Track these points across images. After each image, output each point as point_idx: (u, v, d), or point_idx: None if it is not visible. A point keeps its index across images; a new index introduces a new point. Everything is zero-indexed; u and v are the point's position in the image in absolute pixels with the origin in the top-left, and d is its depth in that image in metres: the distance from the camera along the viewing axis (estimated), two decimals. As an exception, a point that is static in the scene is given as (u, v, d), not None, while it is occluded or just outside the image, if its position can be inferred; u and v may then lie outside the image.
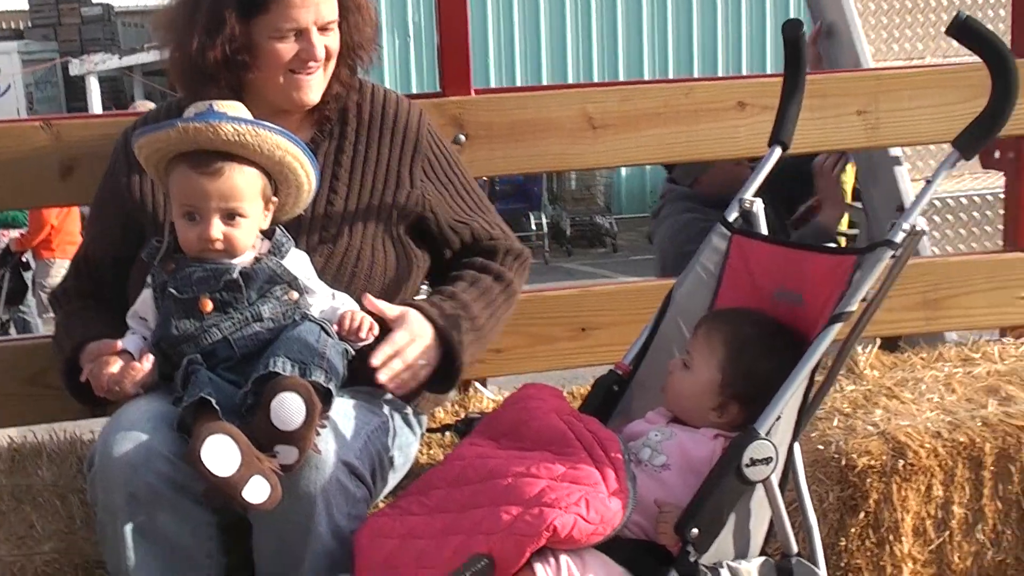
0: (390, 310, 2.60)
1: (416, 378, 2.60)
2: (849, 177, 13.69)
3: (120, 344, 2.54)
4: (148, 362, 2.51)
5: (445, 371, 2.66)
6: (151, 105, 2.52)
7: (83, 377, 2.55)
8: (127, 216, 2.83)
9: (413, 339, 2.58)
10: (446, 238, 2.88)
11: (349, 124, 2.84)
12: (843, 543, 2.96)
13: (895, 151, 4.62)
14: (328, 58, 2.73)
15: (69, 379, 2.66)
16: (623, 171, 17.74)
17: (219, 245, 2.51)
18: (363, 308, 2.59)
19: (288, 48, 2.68)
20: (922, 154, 5.20)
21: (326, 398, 2.40)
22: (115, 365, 2.50)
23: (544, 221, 16.77)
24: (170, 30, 2.76)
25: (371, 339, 2.56)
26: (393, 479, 2.71)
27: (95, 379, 2.53)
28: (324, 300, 2.60)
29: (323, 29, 2.69)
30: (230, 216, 2.51)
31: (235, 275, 2.51)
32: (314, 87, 2.74)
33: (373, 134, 2.85)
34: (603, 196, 16.93)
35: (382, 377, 2.52)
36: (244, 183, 2.52)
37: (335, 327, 2.54)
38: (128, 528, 2.36)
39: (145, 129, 2.55)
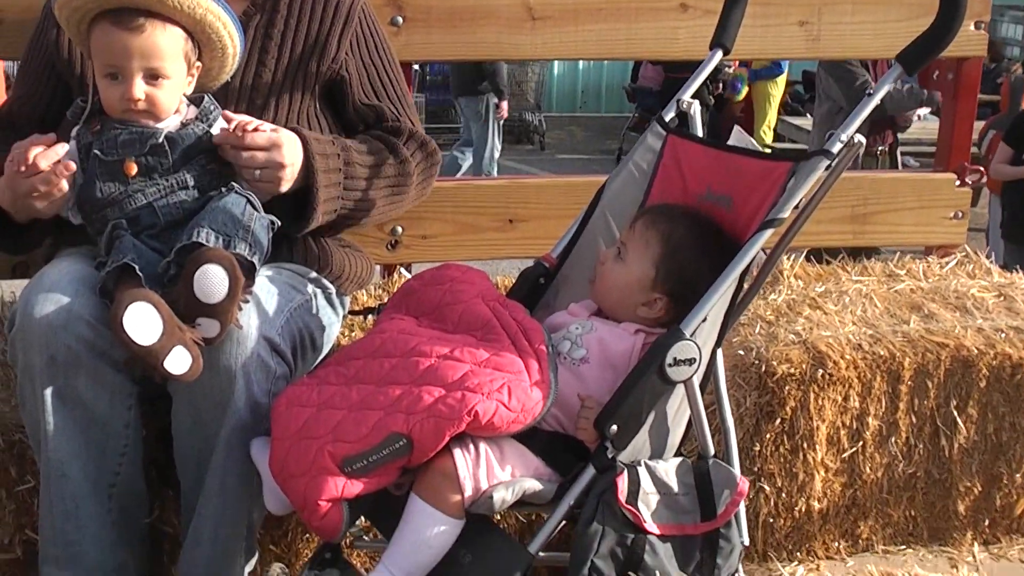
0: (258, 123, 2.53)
1: (274, 177, 2.50)
2: (779, 89, 13.68)
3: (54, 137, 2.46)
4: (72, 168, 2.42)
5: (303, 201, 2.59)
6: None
7: (8, 160, 2.43)
8: (55, 75, 2.76)
9: (279, 140, 2.50)
10: (352, 118, 2.84)
11: (279, 11, 2.77)
12: (757, 448, 3.01)
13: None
14: None
15: None
16: (555, 69, 17.63)
17: (141, 105, 2.44)
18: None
19: None
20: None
21: (249, 272, 2.36)
22: (47, 154, 2.41)
23: (473, 114, 16.59)
24: None
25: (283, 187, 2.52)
26: (314, 359, 2.68)
27: (17, 164, 2.41)
28: None
29: None
30: (153, 76, 2.44)
31: (160, 139, 2.45)
32: None
33: (305, 7, 2.78)
34: (534, 93, 16.78)
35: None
36: (166, 42, 2.44)
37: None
38: (47, 392, 2.33)
39: None
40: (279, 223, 2.51)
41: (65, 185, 2.42)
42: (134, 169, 2.44)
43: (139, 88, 2.42)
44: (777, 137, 13.73)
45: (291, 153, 2.50)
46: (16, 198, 2.46)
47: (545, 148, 15.71)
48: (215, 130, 2.51)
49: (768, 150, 13.89)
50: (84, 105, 2.53)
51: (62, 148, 2.43)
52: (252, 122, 2.48)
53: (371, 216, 2.79)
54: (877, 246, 3.90)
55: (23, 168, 2.38)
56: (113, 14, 2.41)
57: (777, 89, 14.07)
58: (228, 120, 2.51)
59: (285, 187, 2.52)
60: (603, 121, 16.92)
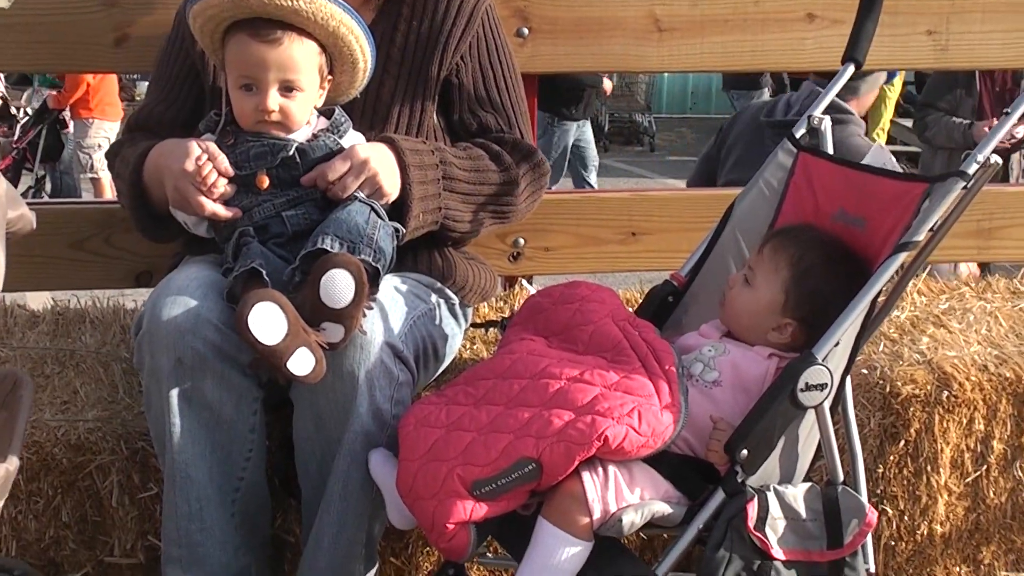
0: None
1: (371, 183, 2.52)
2: (895, 91, 13.43)
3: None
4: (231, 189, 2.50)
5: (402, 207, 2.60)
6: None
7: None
8: (196, 81, 2.81)
9: (369, 156, 2.53)
10: (461, 123, 2.85)
11: (406, 2, 2.79)
12: (881, 470, 2.96)
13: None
14: None
15: (135, 190, 2.65)
16: (669, 70, 17.58)
17: (275, 117, 2.48)
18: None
19: None
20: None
21: (374, 279, 2.38)
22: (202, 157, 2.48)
23: (583, 115, 16.56)
24: None
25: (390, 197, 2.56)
26: (436, 368, 2.71)
27: (180, 157, 2.49)
28: None
29: None
30: (287, 88, 2.48)
31: (292, 151, 2.49)
32: None
33: (427, 11, 2.79)
34: (644, 94, 16.71)
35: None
36: (302, 54, 2.48)
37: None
38: (173, 393, 2.36)
39: None
40: (404, 231, 2.53)
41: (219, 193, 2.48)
42: (266, 182, 2.48)
43: (274, 100, 2.47)
44: (891, 139, 13.53)
45: (378, 161, 2.52)
46: (165, 184, 2.53)
47: (655, 150, 15.66)
48: (345, 142, 2.54)
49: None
50: (217, 118, 2.58)
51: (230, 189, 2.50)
52: (329, 172, 2.49)
53: (479, 225, 2.79)
54: (1003, 261, 3.80)
55: (201, 175, 2.45)
56: (250, 26, 2.45)
57: (894, 91, 13.84)
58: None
59: (391, 189, 2.54)
60: (713, 122, 16.73)
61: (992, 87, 6.34)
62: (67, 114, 11.19)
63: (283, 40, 2.46)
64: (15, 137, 11.24)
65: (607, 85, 10.27)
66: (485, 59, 2.85)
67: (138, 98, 13.25)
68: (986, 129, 5.93)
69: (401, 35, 2.77)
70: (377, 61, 2.69)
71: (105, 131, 10.85)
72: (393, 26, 2.77)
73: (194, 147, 2.48)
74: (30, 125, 11.19)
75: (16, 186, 10.66)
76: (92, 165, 10.88)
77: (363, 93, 2.70)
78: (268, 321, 2.21)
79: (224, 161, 2.47)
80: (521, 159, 2.83)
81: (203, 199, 2.47)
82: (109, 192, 10.78)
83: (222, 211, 2.48)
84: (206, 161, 2.46)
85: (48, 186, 11.23)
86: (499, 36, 2.90)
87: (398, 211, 2.59)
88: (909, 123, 11.83)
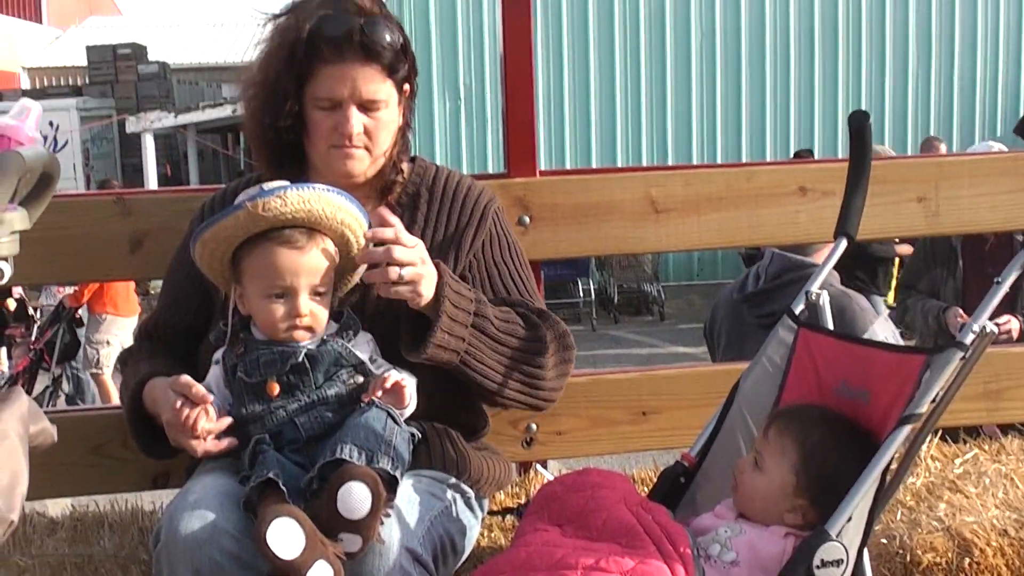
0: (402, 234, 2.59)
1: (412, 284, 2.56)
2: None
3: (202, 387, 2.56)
4: (224, 422, 2.53)
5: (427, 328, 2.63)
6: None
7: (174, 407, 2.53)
8: (200, 287, 2.86)
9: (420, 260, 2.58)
10: None
11: (419, 209, 2.88)
12: (907, 642, 2.93)
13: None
14: (371, 138, 2.74)
15: (134, 415, 2.71)
16: (672, 238, 17.80)
17: (307, 322, 2.54)
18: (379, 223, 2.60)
19: (326, 119, 2.71)
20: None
21: (391, 485, 2.40)
22: (208, 426, 2.52)
23: (592, 288, 16.77)
24: (245, 97, 2.84)
25: (410, 407, 2.57)
26: (455, 563, 2.70)
27: (166, 405, 2.54)
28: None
29: (364, 107, 2.71)
30: (316, 293, 2.55)
31: (301, 358, 2.53)
32: (356, 162, 2.75)
33: (441, 216, 2.87)
34: (651, 264, 16.93)
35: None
36: (327, 256, 2.57)
37: (375, 393, 2.53)
38: None
39: (208, 222, 2.56)
40: (420, 435, 2.57)
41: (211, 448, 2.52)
42: (277, 389, 2.52)
43: (306, 304, 2.53)
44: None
45: (430, 272, 2.59)
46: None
47: (665, 318, 15.76)
48: (354, 345, 2.59)
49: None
50: (225, 330, 2.63)
51: (223, 422, 2.53)
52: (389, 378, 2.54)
53: (501, 385, 2.76)
54: (1014, 422, 3.81)
55: (184, 426, 2.50)
56: (269, 235, 2.52)
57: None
58: (384, 220, 2.59)
59: (426, 291, 2.58)
60: (721, 288, 16.94)
61: (975, 260, 6.16)
62: (83, 311, 11.35)
63: (308, 246, 2.53)
64: (32, 338, 11.38)
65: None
66: (497, 256, 2.92)
67: (152, 291, 13.45)
68: (958, 320, 5.85)
69: (417, 233, 2.81)
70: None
71: (118, 327, 10.99)
72: (410, 224, 2.83)
73: (170, 395, 2.53)
74: (46, 325, 11.34)
75: (33, 386, 10.76)
76: (98, 360, 11.01)
77: (376, 294, 2.74)
78: (286, 536, 2.23)
79: (200, 389, 2.52)
80: (549, 328, 2.85)
81: (193, 443, 2.51)
82: (111, 388, 10.89)
83: (214, 449, 2.52)
84: (181, 407, 2.50)
85: (65, 386, 11.32)
86: (509, 234, 2.98)
87: (423, 330, 2.62)
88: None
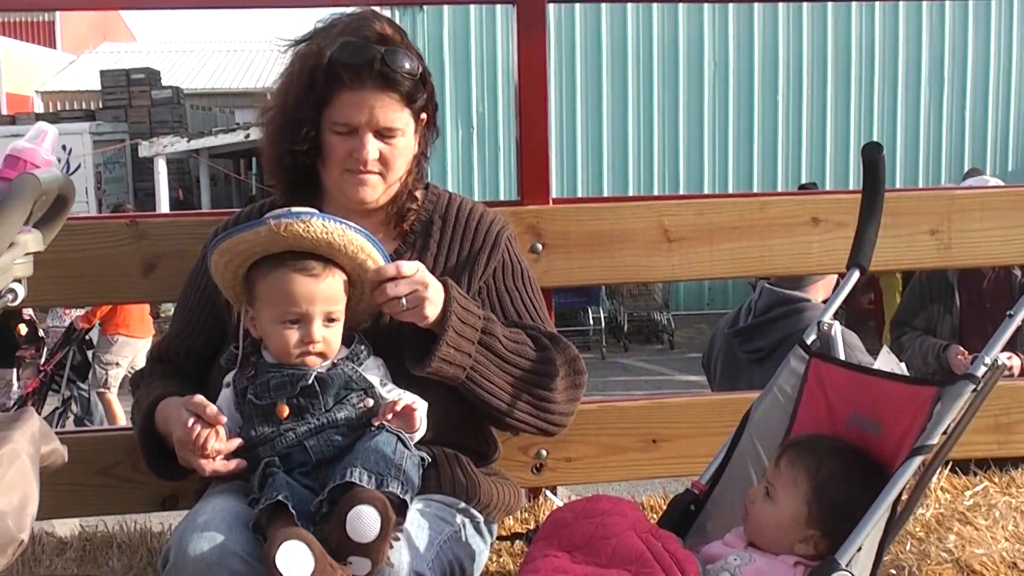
0: (407, 267, 2.61)
1: (416, 307, 2.60)
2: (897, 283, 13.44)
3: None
4: (234, 443, 2.54)
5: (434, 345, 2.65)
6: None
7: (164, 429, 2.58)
8: (213, 313, 2.88)
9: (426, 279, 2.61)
10: None
11: (432, 236, 2.89)
12: (917, 674, 2.92)
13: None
14: (386, 165, 2.76)
15: (145, 435, 2.73)
16: (682, 267, 17.83)
17: (319, 348, 2.55)
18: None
19: (342, 144, 2.73)
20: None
21: (401, 509, 2.40)
22: (219, 447, 2.53)
23: (602, 315, 16.78)
24: (263, 120, 2.86)
25: (420, 430, 2.58)
26: (463, 588, 2.71)
27: (178, 424, 2.55)
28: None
29: (381, 135, 2.73)
30: (329, 319, 2.56)
31: (311, 381, 2.54)
32: (370, 189, 2.77)
33: (454, 244, 2.89)
34: (661, 292, 16.95)
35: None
36: (340, 285, 2.58)
37: (386, 417, 2.54)
38: None
39: (229, 232, 2.59)
40: (429, 460, 2.57)
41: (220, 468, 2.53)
42: (286, 412, 2.53)
43: (319, 331, 2.54)
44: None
45: (435, 292, 2.61)
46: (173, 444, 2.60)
47: (675, 347, 15.75)
48: (364, 369, 2.60)
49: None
50: (237, 353, 2.64)
51: (233, 443, 2.54)
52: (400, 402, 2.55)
53: (510, 406, 2.77)
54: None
55: (194, 444, 2.50)
56: (284, 261, 2.54)
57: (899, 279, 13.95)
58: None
59: (431, 311, 2.61)
60: (728, 318, 16.93)
61: (973, 296, 6.01)
62: (94, 333, 11.38)
63: (325, 274, 2.55)
64: (42, 360, 11.41)
65: None
66: (509, 282, 2.93)
67: (163, 314, 13.49)
68: (959, 358, 5.73)
69: (428, 265, 2.81)
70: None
71: (130, 349, 11.02)
72: (419, 259, 2.83)
73: (183, 414, 2.54)
74: (57, 347, 11.37)
75: (42, 407, 10.79)
76: (106, 380, 11.04)
77: (389, 319, 2.74)
78: (295, 559, 2.22)
79: (213, 409, 2.53)
80: (560, 351, 2.86)
81: (202, 462, 2.52)
82: (117, 408, 10.90)
83: (222, 469, 2.53)
84: (193, 425, 2.51)
85: (74, 407, 11.34)
86: (521, 261, 2.99)
87: (430, 343, 2.64)
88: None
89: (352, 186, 2.77)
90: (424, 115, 2.83)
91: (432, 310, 2.62)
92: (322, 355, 2.56)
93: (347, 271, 2.60)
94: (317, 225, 2.51)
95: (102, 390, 11.19)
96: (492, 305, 2.89)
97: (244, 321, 2.63)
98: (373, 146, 2.72)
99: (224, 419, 2.54)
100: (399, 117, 2.74)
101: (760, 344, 4.66)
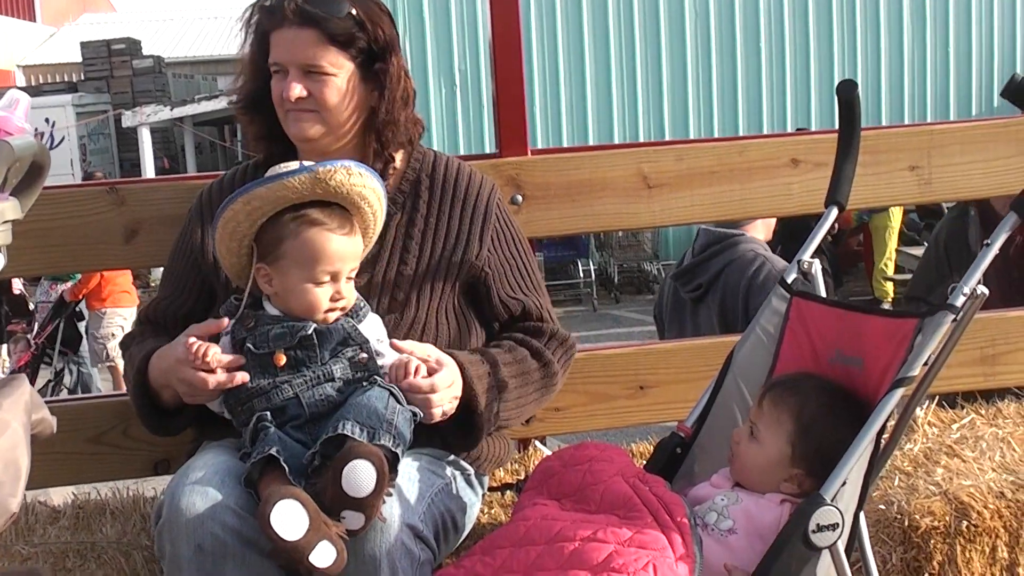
0: (420, 349, 2.64)
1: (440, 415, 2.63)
2: (896, 220, 13.49)
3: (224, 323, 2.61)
4: (236, 359, 2.56)
5: (466, 424, 2.71)
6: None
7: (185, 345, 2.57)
8: (200, 277, 2.90)
9: (453, 382, 2.62)
10: (496, 311, 2.93)
11: (421, 196, 2.90)
12: (907, 605, 2.95)
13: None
14: (319, 103, 2.76)
15: (140, 390, 2.73)
16: (671, 217, 17.80)
17: (346, 303, 2.59)
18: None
19: (277, 85, 2.79)
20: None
21: (393, 464, 2.42)
22: (223, 359, 2.55)
23: (592, 268, 16.80)
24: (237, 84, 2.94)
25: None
26: (456, 540, 2.73)
27: (176, 349, 2.59)
28: (392, 360, 2.63)
29: (308, 72, 2.75)
30: (349, 276, 2.60)
31: (310, 331, 2.55)
32: (305, 125, 2.78)
33: (444, 206, 2.90)
34: (650, 243, 16.95)
35: (436, 414, 2.58)
36: (360, 240, 2.63)
37: (392, 375, 2.57)
38: None
39: (259, 182, 2.55)
40: (420, 415, 2.58)
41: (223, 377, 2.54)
42: (283, 360, 2.54)
43: (348, 289, 2.59)
44: (898, 269, 13.61)
45: (457, 385, 2.64)
46: (172, 382, 2.61)
47: (665, 296, 15.75)
48: (363, 326, 2.61)
49: (890, 283, 13.83)
50: (238, 304, 2.64)
51: (235, 359, 2.56)
52: (412, 361, 2.57)
53: (523, 418, 2.88)
54: (1010, 387, 3.82)
55: (195, 356, 2.52)
56: (323, 220, 2.55)
57: (894, 220, 13.98)
58: (397, 349, 2.62)
59: (454, 404, 2.64)
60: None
61: (999, 264, 5.75)
62: (83, 306, 11.39)
63: (353, 231, 2.59)
64: (34, 332, 11.42)
65: None
66: (506, 250, 2.95)
67: (152, 284, 13.49)
68: None
69: (418, 230, 2.86)
70: (396, 248, 2.82)
71: (119, 318, 11.03)
72: (410, 219, 2.87)
73: (179, 348, 2.57)
74: (47, 320, 11.37)
75: (35, 380, 10.79)
76: (107, 354, 11.06)
77: (381, 276, 2.79)
78: (289, 517, 2.24)
79: (216, 321, 2.59)
80: (557, 347, 2.93)
81: (204, 375, 2.53)
82: (127, 379, 10.92)
83: (225, 381, 2.53)
84: (194, 341, 2.54)
85: (67, 379, 11.35)
86: (511, 222, 3.01)
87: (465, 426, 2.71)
88: (916, 251, 11.96)
89: (289, 123, 2.81)
90: (377, 66, 2.81)
91: (454, 401, 2.65)
92: (344, 310, 2.60)
93: (359, 218, 2.63)
94: (356, 172, 2.54)
95: (109, 364, 11.22)
96: (494, 277, 2.91)
97: (256, 276, 2.61)
98: (298, 83, 2.74)
99: (226, 322, 2.58)
100: (322, 55, 2.75)
101: (700, 280, 4.71)
